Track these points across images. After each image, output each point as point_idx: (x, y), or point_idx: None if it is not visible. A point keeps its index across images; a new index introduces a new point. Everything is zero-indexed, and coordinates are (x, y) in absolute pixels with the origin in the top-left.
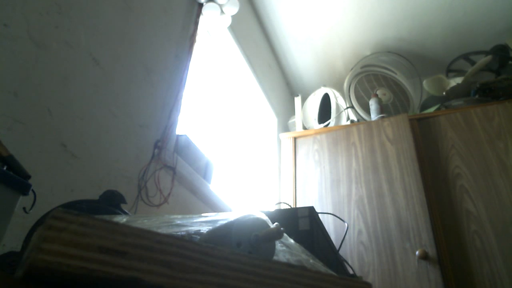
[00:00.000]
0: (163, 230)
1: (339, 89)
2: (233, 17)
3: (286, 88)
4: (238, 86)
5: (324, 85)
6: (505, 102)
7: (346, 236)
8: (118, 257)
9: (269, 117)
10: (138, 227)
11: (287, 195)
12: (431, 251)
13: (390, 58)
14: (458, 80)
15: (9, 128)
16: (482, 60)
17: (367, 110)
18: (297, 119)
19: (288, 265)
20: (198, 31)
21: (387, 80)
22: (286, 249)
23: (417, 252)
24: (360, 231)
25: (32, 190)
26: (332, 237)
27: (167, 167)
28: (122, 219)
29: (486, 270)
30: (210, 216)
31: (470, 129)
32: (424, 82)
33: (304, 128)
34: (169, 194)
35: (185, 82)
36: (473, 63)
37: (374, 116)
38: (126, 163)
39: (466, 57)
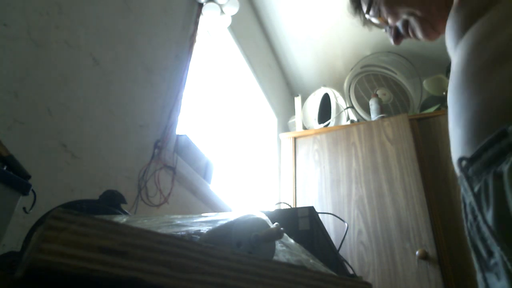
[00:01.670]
0: (163, 230)
1: (339, 89)
2: (233, 17)
3: (286, 88)
4: (238, 86)
5: (324, 85)
6: None
7: (346, 236)
8: (118, 257)
9: (269, 117)
10: (138, 227)
11: (287, 195)
12: (431, 251)
13: (390, 58)
14: None
15: (9, 128)
16: None
17: (367, 110)
18: (297, 119)
19: (288, 265)
20: (198, 31)
21: (387, 80)
22: (286, 249)
23: (417, 252)
24: (360, 231)
25: (32, 190)
26: (332, 237)
27: (167, 167)
28: (122, 219)
29: None
30: (210, 216)
31: None
32: (424, 82)
33: (304, 128)
34: (169, 194)
35: (185, 82)
36: None
37: (374, 116)
38: (126, 163)
39: None
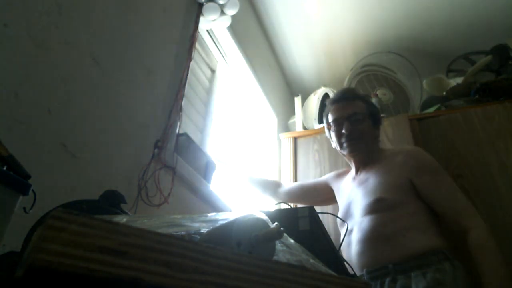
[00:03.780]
0: (163, 230)
1: (339, 89)
2: (233, 17)
3: (286, 88)
4: (238, 86)
5: (324, 85)
6: (505, 102)
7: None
8: (118, 257)
9: (269, 117)
10: (138, 227)
11: None
12: None
13: (390, 58)
14: (458, 80)
15: (9, 128)
16: (482, 60)
17: None
18: (297, 119)
19: (288, 265)
20: (198, 31)
21: (387, 80)
22: (286, 249)
23: None
24: None
25: (32, 190)
26: (332, 237)
27: (167, 167)
28: (122, 219)
29: None
30: (210, 216)
31: (470, 129)
32: (424, 82)
33: (304, 128)
34: (169, 194)
35: (185, 82)
36: (473, 63)
37: None
38: (126, 163)
39: (466, 57)
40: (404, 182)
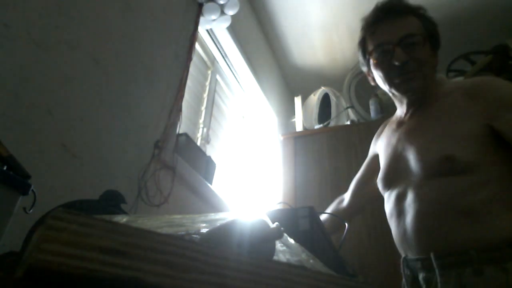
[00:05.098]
0: (163, 230)
1: (339, 89)
2: (233, 17)
3: (286, 88)
4: (238, 86)
5: (324, 85)
6: None
7: (346, 236)
8: (118, 257)
9: (269, 117)
10: (138, 227)
11: (287, 195)
12: None
13: None
14: (458, 80)
15: (9, 128)
16: (482, 60)
17: (367, 110)
18: (297, 119)
19: (288, 265)
20: (198, 31)
21: None
22: (286, 249)
23: None
24: (360, 231)
25: (32, 190)
26: (332, 237)
27: (167, 167)
28: (122, 219)
29: None
30: (210, 216)
31: None
32: None
33: (304, 128)
34: (169, 194)
35: (185, 82)
36: (473, 63)
37: (374, 116)
38: (126, 163)
39: (466, 57)
40: (480, 130)
